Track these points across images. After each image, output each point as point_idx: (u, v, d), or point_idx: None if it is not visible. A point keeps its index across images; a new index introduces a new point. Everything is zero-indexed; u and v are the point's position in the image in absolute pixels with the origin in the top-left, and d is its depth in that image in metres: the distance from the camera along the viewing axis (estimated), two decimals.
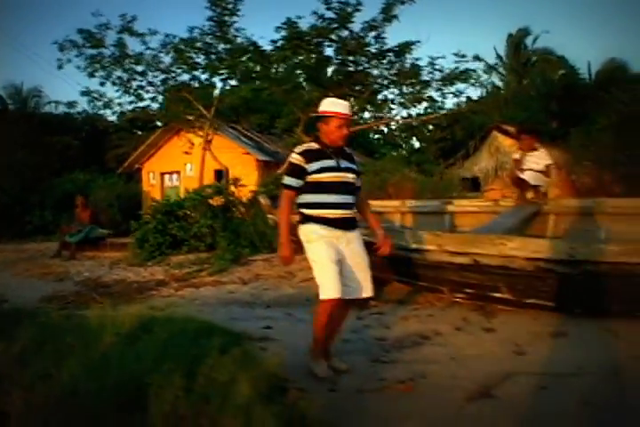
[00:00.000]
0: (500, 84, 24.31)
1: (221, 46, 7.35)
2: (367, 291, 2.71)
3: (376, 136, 27.63)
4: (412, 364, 2.97)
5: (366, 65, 7.57)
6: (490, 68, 23.59)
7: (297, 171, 2.63)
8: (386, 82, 7.66)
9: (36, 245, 10.98)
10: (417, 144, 28.38)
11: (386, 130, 28.42)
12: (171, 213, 7.01)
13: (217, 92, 8.29)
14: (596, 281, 3.12)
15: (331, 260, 2.58)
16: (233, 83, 8.34)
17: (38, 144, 17.71)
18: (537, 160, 4.88)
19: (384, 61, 7.74)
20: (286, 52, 7.03)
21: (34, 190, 16.35)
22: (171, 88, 7.91)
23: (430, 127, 27.92)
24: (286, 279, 5.08)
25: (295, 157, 2.65)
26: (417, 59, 7.95)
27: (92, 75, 7.79)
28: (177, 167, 15.21)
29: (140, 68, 7.66)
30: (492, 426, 2.21)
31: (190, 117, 8.09)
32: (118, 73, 7.66)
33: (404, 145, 28.95)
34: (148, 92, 8.06)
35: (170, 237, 6.90)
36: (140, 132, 16.97)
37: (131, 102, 8.31)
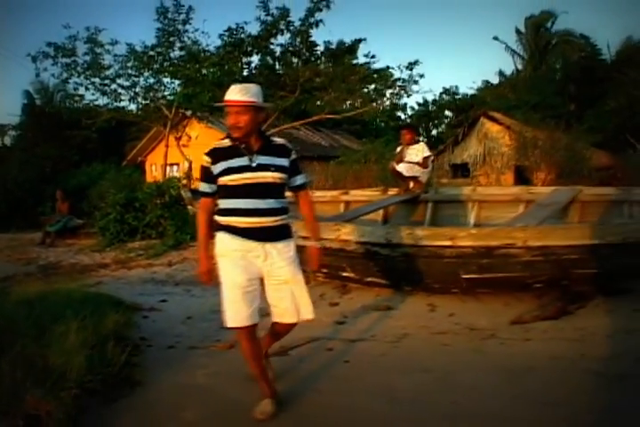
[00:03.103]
0: (520, 66, 24.17)
1: (173, 53, 8.10)
2: (293, 315, 2.27)
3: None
4: None
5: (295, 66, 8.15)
6: (511, 51, 23.53)
7: (207, 174, 2.25)
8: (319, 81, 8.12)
9: (39, 235, 11.95)
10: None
11: (404, 117, 28.85)
12: (129, 204, 7.76)
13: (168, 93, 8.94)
14: (413, 262, 3.61)
15: (233, 283, 2.19)
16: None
17: (59, 137, 18.35)
18: (416, 153, 5.31)
19: (322, 60, 8.28)
20: (213, 58, 7.67)
21: (50, 182, 17.21)
22: (140, 91, 8.66)
23: (448, 113, 28.12)
24: None
25: (203, 159, 2.26)
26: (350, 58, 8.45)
27: (66, 81, 8.66)
28: (176, 160, 15.99)
29: (110, 74, 8.44)
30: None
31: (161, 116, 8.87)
32: (92, 79, 8.46)
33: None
34: (120, 94, 8.85)
35: (127, 226, 7.65)
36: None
37: (107, 104, 9.15)
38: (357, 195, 5.75)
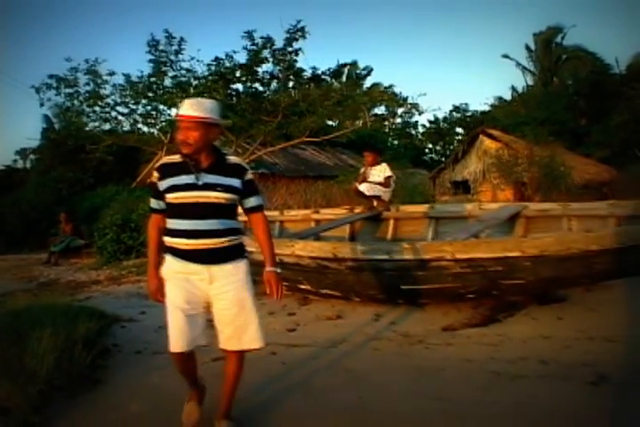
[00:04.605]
0: (531, 82, 24.50)
1: (166, 82, 8.75)
2: (235, 344, 2.21)
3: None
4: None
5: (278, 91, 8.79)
6: (522, 68, 23.93)
7: (155, 190, 2.21)
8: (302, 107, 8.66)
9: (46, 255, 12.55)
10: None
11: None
12: (125, 224, 8.26)
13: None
14: (358, 275, 3.97)
15: (174, 306, 2.15)
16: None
17: (75, 160, 18.68)
18: (378, 173, 5.69)
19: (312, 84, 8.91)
20: (199, 88, 8.30)
21: (65, 205, 17.84)
22: (138, 118, 9.33)
23: (459, 130, 28.65)
24: None
25: (153, 174, 2.23)
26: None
27: (68, 109, 9.36)
28: None
29: (109, 102, 9.13)
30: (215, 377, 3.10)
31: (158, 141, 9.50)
32: (94, 107, 9.15)
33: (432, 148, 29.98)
34: (121, 121, 9.56)
35: (123, 245, 8.14)
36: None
37: (111, 130, 9.80)
38: (327, 213, 6.15)
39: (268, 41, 8.32)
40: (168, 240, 2.21)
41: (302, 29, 8.19)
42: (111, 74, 8.88)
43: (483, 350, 3.22)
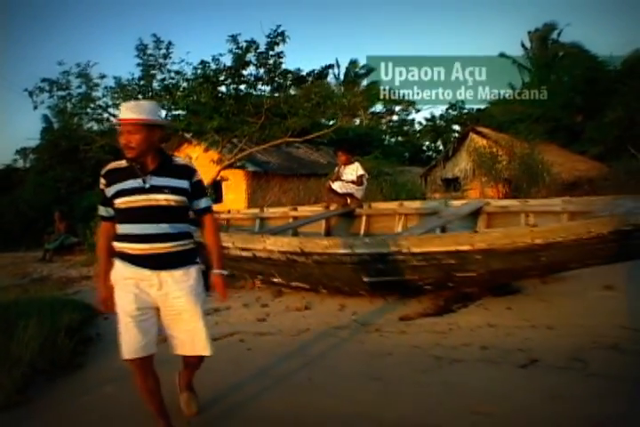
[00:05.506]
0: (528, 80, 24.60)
1: (155, 85, 9.01)
2: (193, 348, 2.23)
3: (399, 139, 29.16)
4: None
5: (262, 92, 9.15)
6: (519, 66, 24.01)
7: (103, 197, 2.20)
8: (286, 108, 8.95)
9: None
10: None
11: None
12: None
13: None
14: (323, 268, 4.23)
15: (124, 312, 2.12)
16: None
17: (74, 160, 18.93)
18: (351, 172, 5.97)
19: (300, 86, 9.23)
20: (185, 91, 8.59)
21: (63, 204, 18.10)
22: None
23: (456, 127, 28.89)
24: None
25: (100, 181, 2.20)
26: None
27: (61, 112, 9.65)
28: None
29: (101, 104, 9.43)
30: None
31: None
32: (86, 109, 9.43)
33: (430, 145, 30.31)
34: (114, 122, 9.80)
35: None
36: None
37: (104, 131, 10.09)
38: (304, 210, 6.43)
39: (252, 44, 8.59)
40: (118, 245, 2.18)
41: (282, 34, 8.48)
42: (102, 77, 9.19)
43: (431, 337, 3.48)
